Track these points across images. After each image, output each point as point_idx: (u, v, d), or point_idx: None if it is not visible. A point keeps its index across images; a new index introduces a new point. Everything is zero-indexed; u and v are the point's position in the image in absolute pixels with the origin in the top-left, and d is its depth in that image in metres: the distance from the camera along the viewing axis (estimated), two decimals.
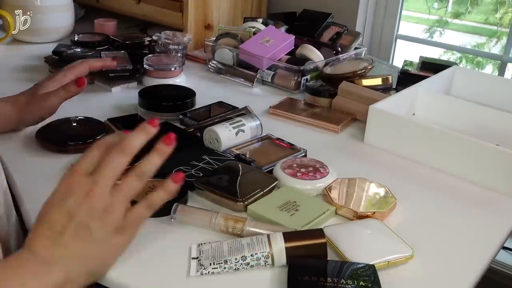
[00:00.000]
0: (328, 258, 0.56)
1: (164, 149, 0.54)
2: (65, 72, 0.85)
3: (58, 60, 1.16)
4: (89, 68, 0.87)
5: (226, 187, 0.68)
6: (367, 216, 0.65)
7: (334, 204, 0.67)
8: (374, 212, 0.66)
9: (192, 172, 0.73)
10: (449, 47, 1.78)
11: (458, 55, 1.87)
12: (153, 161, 0.53)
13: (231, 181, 0.69)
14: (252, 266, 0.55)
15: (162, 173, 0.71)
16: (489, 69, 1.85)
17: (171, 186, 0.54)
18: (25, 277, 0.46)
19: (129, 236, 0.52)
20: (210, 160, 0.76)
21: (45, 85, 0.82)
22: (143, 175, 0.52)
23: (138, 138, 0.52)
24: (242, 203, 0.66)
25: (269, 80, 1.16)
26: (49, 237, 0.48)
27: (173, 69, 1.09)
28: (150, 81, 1.07)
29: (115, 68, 1.00)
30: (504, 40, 1.81)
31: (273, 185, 0.70)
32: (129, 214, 0.52)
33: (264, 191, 0.69)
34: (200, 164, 0.75)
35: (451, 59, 1.75)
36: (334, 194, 0.69)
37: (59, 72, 0.86)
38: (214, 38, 1.27)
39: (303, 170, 0.74)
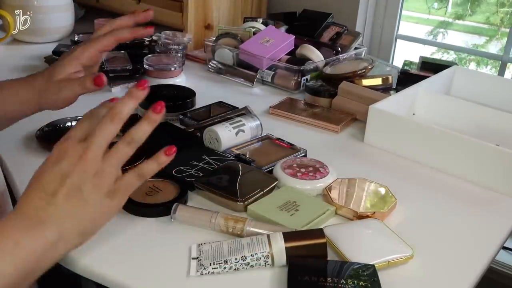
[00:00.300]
0: (328, 258, 0.56)
1: (154, 117, 0.54)
2: (87, 46, 0.71)
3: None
4: (115, 41, 0.71)
5: (226, 187, 0.68)
6: (367, 216, 0.65)
7: (334, 204, 0.67)
8: (374, 212, 0.66)
9: (192, 172, 0.73)
10: (449, 47, 1.78)
11: (455, 55, 1.87)
12: (143, 128, 0.53)
13: (231, 181, 0.69)
14: (252, 266, 0.55)
15: (162, 173, 0.71)
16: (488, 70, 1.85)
17: (162, 158, 0.54)
18: (18, 236, 0.47)
19: (118, 201, 0.53)
20: (210, 160, 0.76)
21: (63, 67, 0.71)
22: (132, 141, 0.53)
23: (127, 105, 0.53)
24: (242, 203, 0.66)
25: (269, 80, 1.16)
26: (42, 198, 0.50)
27: (173, 69, 1.09)
28: (150, 81, 1.07)
29: (150, 35, 0.82)
30: (503, 40, 1.81)
31: (273, 185, 0.70)
32: (119, 181, 0.53)
33: (264, 191, 0.69)
34: (200, 164, 0.75)
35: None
36: (334, 194, 0.69)
37: (80, 45, 0.72)
38: (214, 38, 1.27)
39: (303, 170, 0.74)
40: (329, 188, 0.70)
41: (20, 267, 0.46)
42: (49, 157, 0.52)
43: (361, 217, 0.65)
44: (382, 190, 0.71)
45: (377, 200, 0.69)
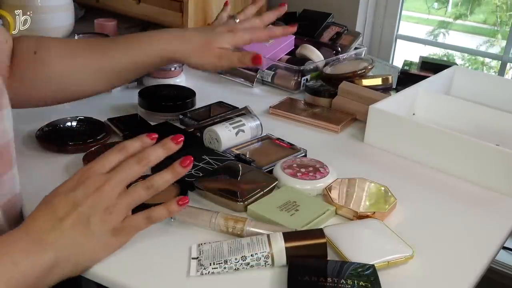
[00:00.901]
0: (328, 258, 0.56)
1: (179, 170, 0.55)
2: (247, 32, 0.80)
3: None
4: (267, 37, 0.83)
5: (226, 187, 0.68)
6: (367, 216, 0.65)
7: (334, 204, 0.67)
8: (374, 212, 0.66)
9: (192, 172, 0.73)
10: (449, 47, 1.78)
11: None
12: (165, 177, 0.55)
13: (231, 181, 0.69)
14: (252, 266, 0.55)
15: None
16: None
17: (173, 206, 0.56)
18: (16, 255, 0.48)
19: (121, 240, 0.54)
20: (210, 160, 0.76)
21: (223, 39, 0.79)
22: (152, 187, 0.54)
23: (157, 153, 0.55)
24: (242, 203, 0.66)
25: (269, 80, 1.16)
26: (49, 221, 0.50)
27: (173, 69, 1.09)
28: (150, 81, 1.07)
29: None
30: (500, 40, 1.82)
31: (273, 185, 0.70)
32: (127, 220, 0.54)
33: (264, 191, 0.69)
34: (200, 164, 0.75)
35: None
36: (334, 194, 0.69)
37: (240, 29, 0.81)
38: None
39: (303, 170, 0.74)
40: (329, 188, 0.70)
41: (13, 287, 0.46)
42: (69, 179, 0.54)
43: (361, 217, 0.65)
44: (382, 190, 0.71)
45: (377, 200, 0.69)
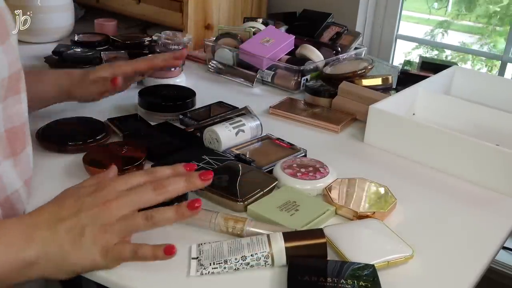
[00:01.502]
0: (328, 258, 0.56)
1: (185, 212, 0.53)
2: (125, 64, 0.86)
3: (58, 60, 1.16)
4: (149, 66, 0.87)
5: (226, 187, 0.68)
6: (367, 216, 0.65)
7: (334, 204, 0.67)
8: (374, 212, 0.66)
9: None
10: (449, 47, 1.78)
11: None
12: (167, 215, 0.53)
13: (231, 181, 0.69)
14: (252, 266, 0.55)
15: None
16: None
17: (159, 252, 0.52)
18: (5, 241, 0.48)
19: (106, 263, 0.52)
20: (210, 160, 0.76)
21: (97, 70, 0.85)
22: (151, 219, 0.52)
23: (177, 185, 0.54)
24: (242, 203, 0.66)
25: (269, 80, 1.16)
26: (49, 217, 0.51)
27: (173, 69, 1.09)
28: (150, 81, 1.07)
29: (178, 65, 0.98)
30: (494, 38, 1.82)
31: (273, 185, 0.70)
32: (119, 245, 0.52)
33: (264, 191, 0.69)
34: (200, 164, 0.75)
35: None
36: (334, 194, 0.69)
37: (120, 61, 0.88)
38: (214, 38, 1.27)
39: (303, 170, 0.74)
40: (329, 188, 0.70)
41: None
42: (90, 183, 0.55)
43: (361, 217, 0.65)
44: (382, 190, 0.71)
45: (377, 200, 0.69)
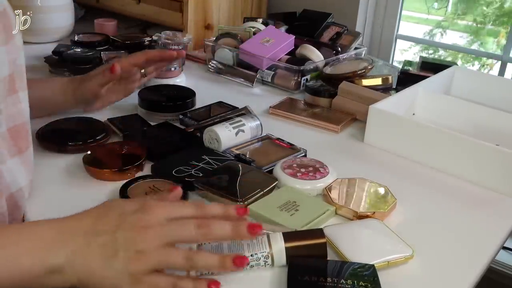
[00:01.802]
0: (328, 258, 0.56)
1: (229, 266, 0.49)
2: (120, 60, 0.87)
3: (58, 60, 1.16)
4: (145, 58, 0.88)
5: (226, 187, 0.68)
6: (367, 216, 0.65)
7: (334, 204, 0.67)
8: (374, 212, 0.66)
9: (192, 172, 0.73)
10: (449, 47, 1.78)
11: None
12: (209, 262, 0.49)
13: (231, 181, 0.69)
14: (252, 266, 0.55)
15: (162, 174, 0.71)
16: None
17: (202, 285, 0.49)
18: (23, 249, 0.47)
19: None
20: (210, 160, 0.76)
21: (97, 70, 0.87)
22: (191, 261, 0.48)
23: (223, 230, 0.50)
24: (242, 203, 0.66)
25: (269, 80, 1.16)
26: (87, 227, 0.49)
27: (173, 69, 1.09)
28: (150, 81, 1.07)
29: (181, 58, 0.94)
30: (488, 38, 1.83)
31: (273, 185, 0.70)
32: (152, 277, 0.48)
33: (264, 191, 0.69)
34: (200, 164, 0.75)
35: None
36: (334, 194, 0.69)
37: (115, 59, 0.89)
38: (214, 38, 1.27)
39: (303, 170, 0.74)
40: (329, 188, 0.70)
41: (7, 275, 0.46)
42: (134, 202, 0.51)
43: (361, 217, 0.65)
44: (382, 190, 0.71)
45: (377, 200, 0.69)
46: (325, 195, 0.70)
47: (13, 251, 0.46)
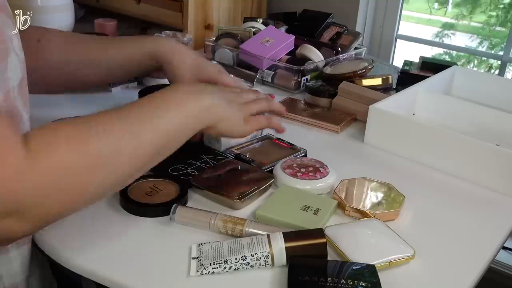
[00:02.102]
0: (328, 258, 0.56)
1: (278, 108, 0.77)
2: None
3: None
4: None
5: (222, 185, 0.68)
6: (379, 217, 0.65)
7: (347, 208, 0.67)
8: (386, 212, 0.66)
9: (188, 170, 0.73)
10: (449, 47, 1.78)
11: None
12: (275, 106, 0.76)
13: (227, 179, 0.69)
14: (252, 266, 0.55)
15: (161, 173, 0.71)
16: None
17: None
18: (183, 97, 0.61)
19: (247, 129, 0.68)
20: (207, 159, 0.76)
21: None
22: (268, 100, 0.74)
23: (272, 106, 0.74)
24: (238, 200, 0.66)
25: (269, 80, 1.16)
26: (214, 89, 0.67)
27: None
28: (150, 81, 1.07)
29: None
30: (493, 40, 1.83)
31: (269, 182, 0.70)
32: (252, 117, 0.69)
33: (261, 188, 0.69)
34: (197, 163, 0.75)
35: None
36: (343, 196, 0.68)
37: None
38: (214, 38, 1.27)
39: (303, 170, 0.74)
40: (337, 190, 0.70)
41: (180, 121, 0.59)
42: (231, 90, 0.72)
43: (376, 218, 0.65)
44: (388, 189, 0.71)
45: (387, 199, 0.69)
46: (334, 197, 0.69)
47: (177, 111, 0.59)
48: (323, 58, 1.17)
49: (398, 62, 1.46)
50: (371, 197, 0.70)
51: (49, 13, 1.34)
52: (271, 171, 0.75)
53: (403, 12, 1.48)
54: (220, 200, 0.67)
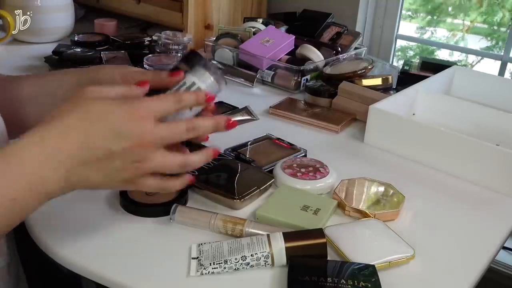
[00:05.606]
0: (328, 258, 0.56)
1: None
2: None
3: (58, 60, 1.16)
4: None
5: (223, 185, 0.68)
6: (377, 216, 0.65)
7: (347, 208, 0.67)
8: (386, 212, 0.66)
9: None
10: (448, 47, 1.78)
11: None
12: (199, 161, 0.54)
13: (228, 179, 0.69)
14: (252, 266, 0.55)
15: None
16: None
17: (185, 180, 0.55)
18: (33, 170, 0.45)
19: (125, 188, 0.53)
20: None
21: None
22: (186, 167, 0.53)
23: (206, 127, 0.53)
24: (238, 200, 0.66)
25: (269, 80, 1.16)
26: (78, 144, 0.46)
27: None
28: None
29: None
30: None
31: (269, 182, 0.70)
32: (144, 177, 0.50)
33: (261, 188, 0.69)
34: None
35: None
36: (343, 196, 0.68)
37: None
38: (214, 38, 1.27)
39: (303, 170, 0.74)
40: (337, 190, 0.70)
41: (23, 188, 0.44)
42: (119, 108, 0.48)
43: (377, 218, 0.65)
44: (388, 188, 0.71)
45: (386, 199, 0.69)
46: (334, 197, 0.69)
47: (8, 185, 0.44)
48: (323, 58, 1.17)
49: (398, 62, 1.47)
50: (371, 197, 0.70)
51: (49, 13, 1.34)
52: (271, 171, 0.75)
53: (403, 12, 1.48)
54: (220, 200, 0.67)
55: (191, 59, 0.57)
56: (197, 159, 0.54)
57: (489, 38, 1.78)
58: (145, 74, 0.59)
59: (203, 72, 0.56)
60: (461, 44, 1.82)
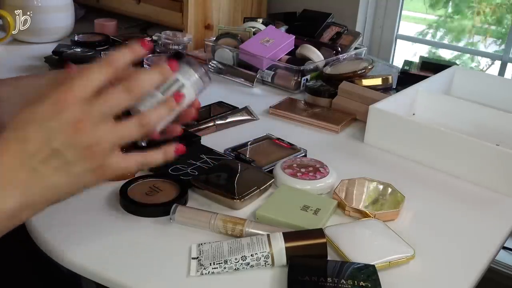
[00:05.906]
0: (328, 258, 0.56)
1: (172, 104, 0.49)
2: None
3: (58, 60, 1.16)
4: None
5: (223, 185, 0.68)
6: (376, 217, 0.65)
7: (347, 208, 0.67)
8: (386, 212, 0.66)
9: (188, 170, 0.73)
10: (448, 47, 1.78)
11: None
12: (161, 113, 0.49)
13: (228, 179, 0.70)
14: (252, 266, 0.55)
15: (161, 173, 0.71)
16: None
17: (170, 152, 0.51)
18: None
19: (102, 179, 0.47)
20: (207, 159, 0.76)
21: None
22: (147, 125, 0.47)
23: (151, 79, 0.47)
24: (238, 200, 0.66)
25: (269, 80, 1.16)
26: (18, 154, 0.42)
27: None
28: None
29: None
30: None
31: (269, 182, 0.70)
32: (115, 159, 0.45)
33: (261, 188, 0.69)
34: (197, 163, 0.75)
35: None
36: (344, 196, 0.68)
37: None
38: (214, 38, 1.27)
39: (303, 170, 0.74)
40: (337, 190, 0.70)
41: None
42: (43, 103, 0.43)
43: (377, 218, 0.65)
44: (388, 188, 0.71)
45: (387, 199, 0.69)
46: (335, 197, 0.69)
47: None
48: (323, 58, 1.17)
49: (398, 62, 1.46)
50: (371, 197, 0.70)
51: (49, 13, 1.34)
52: (271, 171, 0.75)
53: (403, 12, 1.48)
54: (220, 200, 0.67)
55: (176, 59, 0.54)
56: (157, 112, 0.48)
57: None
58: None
59: (187, 69, 0.54)
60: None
